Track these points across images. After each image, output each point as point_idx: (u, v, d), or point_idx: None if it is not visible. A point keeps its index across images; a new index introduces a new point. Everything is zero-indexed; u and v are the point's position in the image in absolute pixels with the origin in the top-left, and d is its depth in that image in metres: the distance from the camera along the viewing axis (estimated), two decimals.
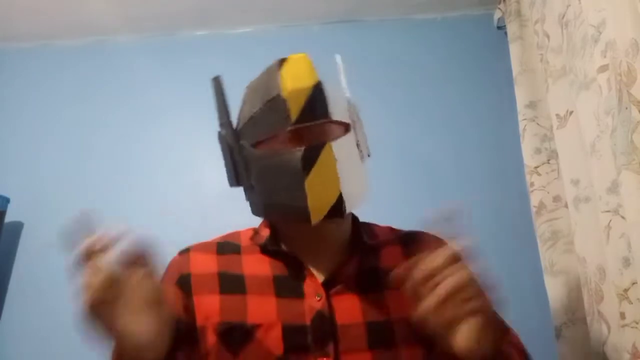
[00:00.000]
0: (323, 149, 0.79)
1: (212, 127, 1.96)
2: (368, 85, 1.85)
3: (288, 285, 0.85)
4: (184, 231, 1.78)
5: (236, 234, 0.98)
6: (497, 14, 1.91)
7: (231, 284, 0.86)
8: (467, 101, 1.88)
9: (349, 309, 0.83)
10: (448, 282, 0.68)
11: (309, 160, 0.78)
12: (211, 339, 0.82)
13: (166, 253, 1.79)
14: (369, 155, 0.92)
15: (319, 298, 0.83)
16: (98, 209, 2.04)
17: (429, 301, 0.67)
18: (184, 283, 0.88)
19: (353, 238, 0.92)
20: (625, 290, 0.98)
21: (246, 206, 1.79)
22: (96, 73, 2.11)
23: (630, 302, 0.97)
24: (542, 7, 1.51)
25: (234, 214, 1.81)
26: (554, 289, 1.42)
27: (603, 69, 1.04)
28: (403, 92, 1.92)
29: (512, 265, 1.63)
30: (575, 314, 1.34)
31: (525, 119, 1.60)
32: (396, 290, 0.83)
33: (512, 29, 1.76)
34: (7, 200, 1.86)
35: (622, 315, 0.99)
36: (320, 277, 0.86)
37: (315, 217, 0.80)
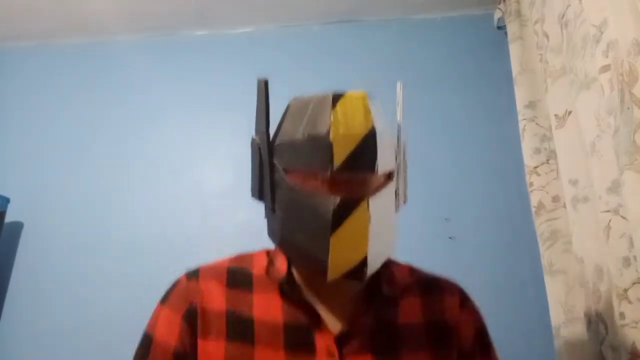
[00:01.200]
0: (359, 205, 0.71)
1: (212, 126, 1.99)
2: (368, 86, 1.85)
3: (299, 337, 0.78)
4: (184, 230, 1.80)
5: (248, 258, 0.90)
6: (497, 14, 1.91)
7: (239, 330, 0.79)
8: (467, 101, 1.88)
9: None
10: None
11: (342, 214, 0.71)
12: None
13: (167, 253, 1.80)
14: (405, 202, 0.86)
15: (330, 356, 0.76)
16: (98, 209, 2.06)
17: None
18: (191, 318, 0.81)
19: (371, 285, 0.84)
20: (625, 290, 0.98)
21: (246, 206, 1.79)
22: (96, 72, 2.11)
23: (630, 302, 0.97)
24: (542, 7, 1.51)
25: (234, 213, 1.83)
26: (553, 289, 1.42)
27: (605, 69, 1.04)
28: (403, 92, 1.92)
29: (512, 265, 1.63)
30: (573, 314, 1.34)
31: (524, 119, 1.60)
32: (414, 352, 0.80)
33: (512, 29, 1.76)
34: (7, 200, 1.86)
35: (622, 315, 0.99)
36: (333, 328, 0.79)
37: (333, 275, 0.73)
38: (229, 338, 0.78)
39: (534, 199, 1.52)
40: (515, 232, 1.68)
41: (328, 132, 0.73)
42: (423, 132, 1.85)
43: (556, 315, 1.39)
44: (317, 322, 0.79)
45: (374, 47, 1.99)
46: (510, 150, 1.72)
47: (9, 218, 1.85)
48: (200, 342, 0.79)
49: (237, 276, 0.85)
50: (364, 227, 0.71)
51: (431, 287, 0.90)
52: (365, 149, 0.73)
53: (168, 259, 1.70)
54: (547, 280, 1.44)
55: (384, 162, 0.76)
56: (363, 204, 0.71)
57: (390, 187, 0.79)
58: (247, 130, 2.10)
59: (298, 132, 0.77)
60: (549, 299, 1.43)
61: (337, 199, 0.71)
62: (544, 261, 1.46)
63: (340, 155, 0.72)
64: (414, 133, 1.84)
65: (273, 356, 0.76)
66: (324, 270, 0.72)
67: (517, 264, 1.64)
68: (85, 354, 1.69)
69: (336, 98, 0.76)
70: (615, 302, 1.01)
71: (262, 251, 0.91)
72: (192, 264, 0.91)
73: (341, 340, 0.78)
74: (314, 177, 0.75)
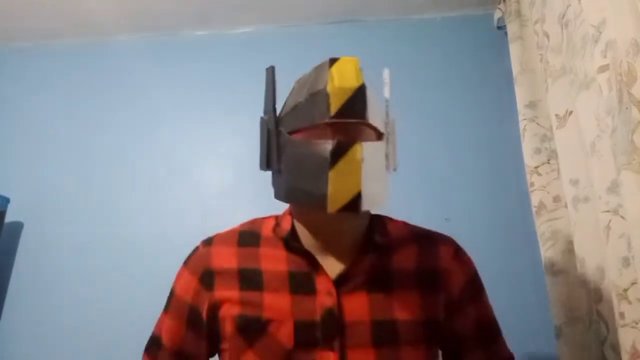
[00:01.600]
0: (353, 147, 0.82)
1: (212, 126, 1.99)
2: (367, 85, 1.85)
3: (302, 282, 0.91)
4: (185, 230, 1.80)
5: (259, 222, 1.03)
6: (497, 14, 1.91)
7: (250, 281, 0.93)
8: (467, 101, 1.88)
9: (357, 308, 0.89)
10: None
11: (338, 153, 0.82)
12: (229, 329, 0.90)
13: (167, 253, 1.80)
14: (394, 169, 0.95)
15: (329, 296, 0.89)
16: (98, 208, 2.06)
17: None
18: (207, 279, 0.95)
19: (366, 237, 0.96)
20: (625, 290, 0.98)
21: (246, 206, 1.79)
22: (96, 72, 2.12)
23: (630, 302, 0.97)
24: (542, 7, 1.50)
25: (234, 213, 1.83)
26: (554, 289, 1.41)
27: (603, 68, 1.03)
28: (403, 92, 1.92)
29: (512, 265, 1.63)
30: (575, 314, 1.34)
31: (525, 119, 1.60)
32: (405, 292, 0.93)
33: (512, 29, 1.76)
34: (7, 200, 1.86)
35: (622, 315, 0.98)
36: (332, 273, 0.91)
37: (332, 207, 0.83)
38: (242, 289, 0.92)
39: (534, 199, 1.52)
40: (516, 232, 1.68)
41: (325, 87, 0.86)
42: (423, 132, 1.85)
43: (557, 316, 1.39)
44: (317, 268, 0.92)
45: (374, 47, 1.99)
46: (511, 150, 1.72)
47: (9, 218, 1.85)
48: (217, 293, 0.94)
49: (246, 237, 0.99)
50: (357, 165, 0.82)
51: (426, 238, 1.02)
52: (358, 99, 0.87)
53: (168, 259, 1.69)
54: (548, 280, 1.44)
55: (374, 117, 0.89)
56: (356, 146, 0.83)
57: (380, 145, 0.91)
58: (247, 130, 2.10)
59: (301, 97, 0.91)
60: (550, 299, 1.42)
61: (334, 142, 0.83)
62: (545, 261, 1.46)
63: (335, 105, 0.85)
64: (414, 133, 1.86)
65: (280, 298, 0.90)
66: (324, 204, 0.83)
67: (518, 264, 1.63)
68: (85, 354, 1.69)
69: (332, 61, 0.89)
70: (615, 302, 1.01)
71: (271, 216, 1.04)
72: None
73: (339, 282, 0.90)
74: (314, 128, 0.87)
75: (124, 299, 1.74)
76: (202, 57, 2.09)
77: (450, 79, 1.92)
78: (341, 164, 0.82)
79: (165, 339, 0.98)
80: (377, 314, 0.89)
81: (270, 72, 0.97)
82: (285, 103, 0.97)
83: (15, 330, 1.76)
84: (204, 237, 1.02)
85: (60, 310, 1.77)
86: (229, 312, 0.91)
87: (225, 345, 0.93)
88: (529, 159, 1.56)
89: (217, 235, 1.02)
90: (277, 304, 0.90)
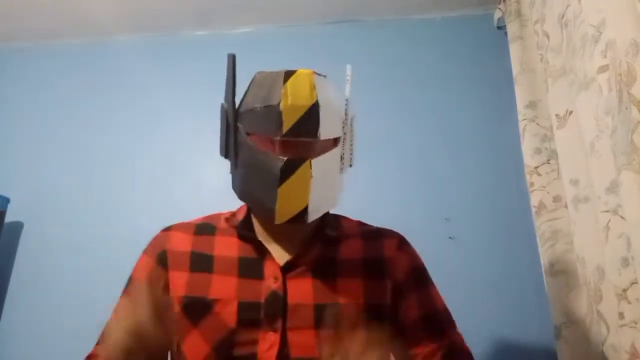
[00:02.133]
0: (302, 165, 0.86)
1: (212, 126, 1.98)
2: (368, 85, 1.85)
3: (251, 267, 0.95)
4: None
5: (216, 216, 1.08)
6: (497, 14, 1.91)
7: (200, 264, 0.97)
8: (467, 101, 1.88)
9: (301, 291, 0.93)
10: None
11: (287, 171, 0.86)
12: (176, 309, 0.93)
13: None
14: (350, 166, 0.99)
15: (275, 280, 0.93)
16: (98, 209, 2.06)
17: None
18: (162, 259, 0.99)
19: (317, 230, 1.00)
20: (624, 290, 0.98)
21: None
22: (96, 72, 2.12)
23: (629, 302, 0.97)
24: (542, 7, 1.50)
25: None
26: (554, 289, 1.41)
27: (603, 69, 1.03)
28: (403, 92, 1.93)
29: (512, 265, 1.63)
30: (574, 314, 1.34)
31: (525, 119, 1.60)
32: (350, 279, 0.96)
33: (512, 29, 1.76)
34: (7, 200, 1.86)
35: (621, 315, 0.98)
36: (281, 261, 0.95)
37: (280, 219, 0.88)
38: (192, 270, 0.96)
39: (534, 199, 1.52)
40: (516, 232, 1.68)
41: (279, 103, 0.88)
42: (423, 132, 1.85)
43: (557, 316, 1.38)
44: (266, 255, 0.96)
45: (374, 47, 1.99)
46: (511, 150, 1.72)
47: (9, 218, 1.86)
48: (170, 273, 0.97)
49: (203, 228, 1.04)
50: (305, 182, 0.86)
51: (374, 234, 1.06)
52: (309, 118, 0.88)
53: None
54: (548, 280, 1.44)
55: (327, 129, 0.90)
56: (306, 164, 0.86)
57: (335, 151, 0.93)
58: None
59: (257, 101, 0.92)
60: (550, 299, 1.42)
61: (285, 159, 0.86)
62: (545, 261, 1.46)
63: (288, 123, 0.88)
64: (414, 133, 1.86)
65: (227, 280, 0.94)
66: (272, 216, 0.88)
67: (517, 264, 1.63)
68: (85, 354, 1.69)
69: (287, 75, 0.91)
70: (614, 302, 1.01)
71: (228, 211, 1.09)
72: None
73: (286, 269, 0.94)
74: (268, 140, 0.90)
75: None
76: (202, 57, 2.09)
77: (450, 79, 1.92)
78: (290, 182, 0.86)
79: (118, 323, 1.00)
80: (320, 297, 0.92)
81: (231, 60, 0.97)
82: (245, 95, 0.98)
83: (15, 330, 1.76)
84: (163, 228, 1.08)
85: (59, 310, 1.76)
86: (177, 293, 0.94)
87: (173, 327, 0.95)
88: (529, 159, 1.56)
89: (176, 224, 1.07)
90: (223, 285, 0.93)
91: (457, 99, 1.89)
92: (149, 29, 2.11)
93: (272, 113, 0.89)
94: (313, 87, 0.90)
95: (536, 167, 1.54)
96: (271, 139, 0.90)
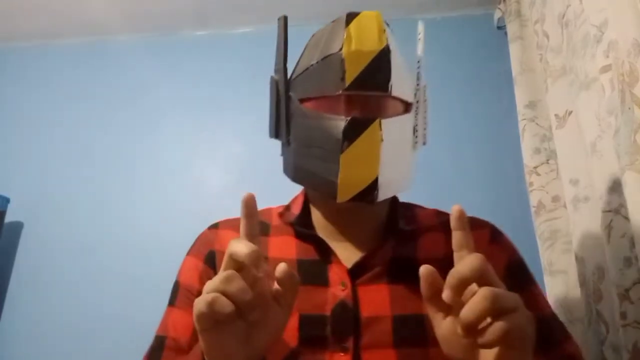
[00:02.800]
0: (371, 125, 0.70)
1: (212, 126, 1.98)
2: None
3: (312, 271, 0.78)
4: (184, 230, 1.79)
5: (267, 212, 0.90)
6: (497, 14, 1.91)
7: None
8: (466, 101, 1.88)
9: (376, 301, 0.74)
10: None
11: (352, 133, 0.70)
12: None
13: (166, 253, 1.80)
14: (424, 144, 0.84)
15: (343, 287, 0.75)
16: (98, 209, 2.06)
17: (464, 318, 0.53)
18: (211, 260, 0.84)
19: (388, 223, 0.84)
20: (627, 290, 0.98)
21: None
22: (96, 73, 2.11)
23: (632, 302, 0.97)
24: (542, 7, 1.50)
25: (234, 213, 1.82)
26: (553, 289, 1.42)
27: (605, 69, 1.03)
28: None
29: None
30: (574, 314, 1.34)
31: (524, 119, 1.60)
32: None
33: (512, 29, 1.76)
34: (7, 200, 1.86)
35: (623, 315, 0.98)
36: (347, 261, 0.78)
37: (343, 196, 0.72)
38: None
39: (533, 199, 1.52)
40: (515, 232, 1.66)
41: (340, 49, 0.73)
42: None
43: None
44: (330, 256, 0.79)
45: None
46: (510, 150, 1.72)
47: (9, 218, 1.85)
48: None
49: None
50: (375, 147, 0.70)
51: None
52: (379, 66, 0.73)
53: (168, 259, 1.69)
54: (547, 280, 1.44)
55: (399, 85, 0.75)
56: (375, 125, 0.70)
57: (407, 118, 0.78)
58: (247, 130, 2.10)
59: (313, 58, 0.78)
60: (549, 299, 1.42)
61: (349, 118, 0.70)
62: (544, 261, 1.46)
63: (352, 73, 0.72)
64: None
65: None
66: (334, 192, 0.72)
67: None
68: (85, 354, 1.69)
69: (350, 17, 0.76)
70: (616, 302, 1.01)
71: (280, 205, 0.92)
72: None
73: (355, 272, 0.77)
74: (327, 99, 0.75)
75: (123, 298, 1.74)
76: (202, 57, 2.09)
77: (450, 79, 1.92)
78: (355, 146, 0.70)
79: (174, 334, 0.81)
80: (399, 307, 0.74)
81: (282, 22, 0.85)
82: (298, 61, 0.86)
83: (15, 330, 1.76)
84: (208, 226, 0.96)
85: (60, 310, 1.76)
86: None
87: None
88: (528, 159, 1.56)
89: (223, 220, 0.92)
90: None
91: (457, 99, 1.89)
92: (149, 29, 2.11)
93: (333, 64, 0.74)
94: (383, 30, 0.75)
95: (535, 167, 1.54)
96: (331, 97, 0.74)
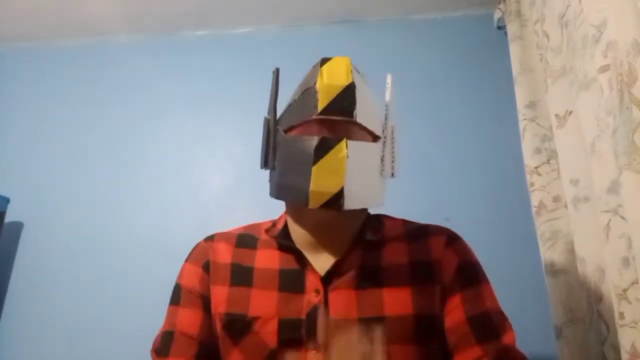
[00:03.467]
0: (338, 144, 0.84)
1: (212, 127, 1.99)
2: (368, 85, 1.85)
3: (291, 280, 0.91)
4: (184, 230, 1.79)
5: (257, 226, 1.04)
6: (497, 14, 1.91)
7: (240, 276, 0.93)
8: (467, 101, 1.88)
9: (344, 304, 0.87)
10: None
11: (322, 149, 0.84)
12: (218, 326, 0.90)
13: (166, 253, 1.80)
14: (392, 175, 0.95)
15: (317, 294, 0.88)
16: (98, 209, 2.06)
17: None
18: (207, 269, 0.96)
19: (357, 235, 0.95)
20: (625, 290, 0.98)
21: (246, 206, 1.79)
22: (96, 73, 2.12)
23: (630, 302, 0.97)
24: (542, 7, 1.50)
25: (234, 213, 1.83)
26: (554, 289, 1.41)
27: (604, 69, 1.03)
28: (403, 92, 1.92)
29: (512, 265, 1.63)
30: (575, 314, 1.34)
31: (525, 119, 1.60)
32: (396, 287, 0.89)
33: (512, 29, 1.76)
34: (7, 200, 1.86)
35: (621, 315, 0.98)
36: (322, 272, 0.90)
37: (314, 202, 0.84)
38: (232, 284, 0.93)
39: (534, 199, 1.52)
40: (515, 232, 1.68)
41: (315, 83, 0.88)
42: (423, 132, 1.85)
43: (557, 316, 1.38)
44: (306, 266, 0.91)
45: (374, 47, 1.98)
46: (511, 150, 1.72)
47: (9, 218, 1.86)
48: (212, 287, 0.94)
49: (244, 240, 1.00)
50: (341, 162, 0.83)
51: (420, 233, 0.99)
52: (346, 97, 0.87)
53: (167, 259, 1.69)
54: (548, 280, 1.44)
55: (364, 115, 0.89)
56: (342, 144, 0.84)
57: (373, 146, 0.91)
58: (247, 130, 2.10)
59: (295, 95, 0.94)
60: (550, 299, 1.42)
61: (320, 137, 0.85)
62: (545, 261, 1.46)
63: (323, 101, 0.87)
64: (414, 133, 1.85)
65: (267, 296, 0.90)
66: (306, 199, 0.84)
67: (517, 264, 1.63)
68: (85, 354, 1.69)
69: (324, 60, 0.92)
70: (614, 302, 1.01)
71: (269, 220, 1.05)
72: None
73: (327, 279, 0.89)
74: (303, 125, 0.89)
75: (123, 298, 1.74)
76: (202, 57, 2.09)
77: (450, 79, 1.92)
78: (325, 160, 0.83)
79: (184, 329, 0.92)
80: (365, 310, 0.86)
81: (275, 74, 0.97)
82: (288, 103, 0.98)
83: (15, 330, 1.76)
84: (204, 238, 1.04)
85: (60, 310, 1.76)
86: (217, 310, 0.91)
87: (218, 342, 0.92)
88: (529, 159, 1.56)
89: (218, 234, 1.03)
90: (263, 301, 0.89)
91: (457, 99, 1.89)
92: (149, 29, 2.11)
93: (309, 95, 0.89)
94: (350, 70, 0.89)
95: (536, 167, 1.54)
96: (307, 122, 0.89)
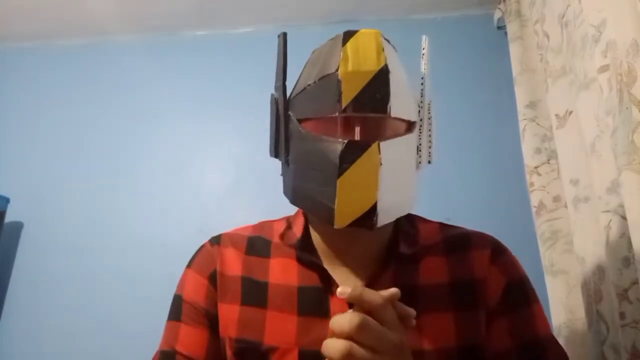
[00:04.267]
0: (369, 149, 0.67)
1: (212, 126, 1.98)
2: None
3: (313, 301, 0.75)
4: (184, 230, 1.80)
5: (269, 226, 0.88)
6: (497, 14, 1.91)
7: (253, 295, 0.78)
8: (467, 101, 1.88)
9: None
10: None
11: (349, 156, 0.67)
12: (229, 353, 0.76)
13: (166, 252, 1.80)
14: (429, 162, 0.81)
15: None
16: (98, 209, 2.06)
17: None
18: (214, 280, 0.81)
19: (390, 246, 0.80)
20: (625, 290, 0.98)
21: (246, 206, 1.79)
22: (96, 73, 2.12)
23: (630, 302, 0.97)
24: (542, 7, 1.50)
25: (234, 213, 1.83)
26: (554, 289, 1.41)
27: (603, 69, 1.03)
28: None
29: None
30: (574, 314, 1.34)
31: (525, 119, 1.60)
32: (436, 313, 0.75)
33: (512, 29, 1.76)
34: (7, 200, 1.86)
35: (622, 315, 0.98)
36: None
37: (340, 222, 0.69)
38: (243, 303, 0.78)
39: (534, 199, 1.52)
40: (516, 232, 1.67)
41: (337, 70, 0.70)
42: None
43: (557, 316, 1.39)
44: (331, 286, 0.75)
45: None
46: (511, 150, 1.72)
47: (9, 218, 1.86)
48: (219, 305, 0.79)
49: (255, 244, 0.84)
50: (373, 172, 0.67)
51: (459, 243, 0.83)
52: (377, 87, 0.70)
53: (167, 259, 1.70)
54: (548, 280, 1.44)
55: (399, 105, 0.72)
56: (373, 148, 0.67)
57: (410, 138, 0.75)
58: (247, 130, 2.10)
59: (311, 78, 0.76)
60: (550, 299, 1.42)
61: (345, 142, 0.68)
62: (545, 261, 1.46)
63: (348, 94, 0.69)
64: None
65: (285, 320, 0.74)
66: (331, 218, 0.69)
67: None
68: (85, 354, 1.69)
69: (347, 35, 0.73)
70: (615, 302, 1.01)
71: (283, 218, 0.90)
72: None
73: None
74: (324, 121, 0.72)
75: (123, 299, 1.74)
76: (201, 57, 2.09)
77: (450, 79, 1.92)
78: (353, 171, 0.67)
79: (186, 350, 0.78)
80: None
81: (282, 40, 0.83)
82: (299, 77, 0.83)
83: (15, 330, 1.76)
84: (204, 238, 0.91)
85: (60, 310, 1.76)
86: (227, 333, 0.77)
87: None
88: (529, 159, 1.56)
89: (226, 235, 0.87)
90: (281, 327, 0.74)
91: (457, 99, 1.89)
92: (149, 29, 2.11)
93: (329, 84, 0.71)
94: (381, 49, 0.72)
95: (536, 167, 1.54)
96: (328, 119, 0.71)
